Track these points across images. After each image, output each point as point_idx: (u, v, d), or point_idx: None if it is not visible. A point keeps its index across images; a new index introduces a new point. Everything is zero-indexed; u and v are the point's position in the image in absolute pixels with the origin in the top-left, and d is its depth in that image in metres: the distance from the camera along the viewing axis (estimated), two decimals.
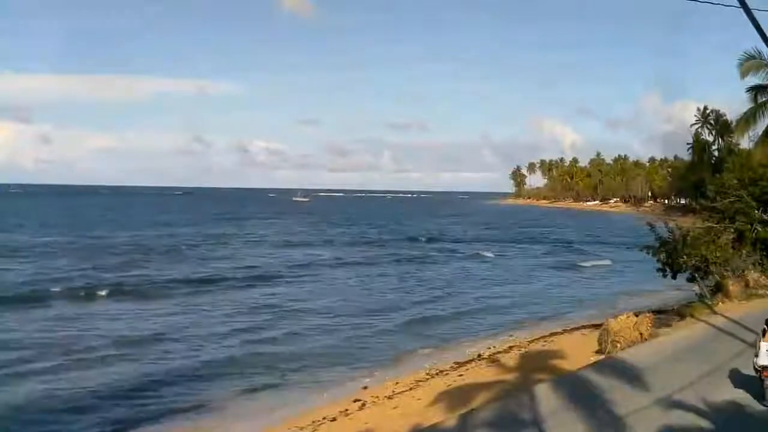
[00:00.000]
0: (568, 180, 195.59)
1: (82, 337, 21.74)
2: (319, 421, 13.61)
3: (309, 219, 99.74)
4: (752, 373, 9.74)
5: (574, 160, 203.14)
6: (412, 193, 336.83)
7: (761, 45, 6.74)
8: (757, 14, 5.86)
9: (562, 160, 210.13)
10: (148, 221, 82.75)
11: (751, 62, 23.64)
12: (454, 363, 18.10)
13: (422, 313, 27.47)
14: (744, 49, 23.87)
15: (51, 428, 14.25)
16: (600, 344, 15.41)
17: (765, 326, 9.70)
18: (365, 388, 16.32)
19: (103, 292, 30.29)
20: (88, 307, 27.52)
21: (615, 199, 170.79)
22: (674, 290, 24.81)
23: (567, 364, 14.53)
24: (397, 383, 16.28)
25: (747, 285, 20.24)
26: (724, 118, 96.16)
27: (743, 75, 24.14)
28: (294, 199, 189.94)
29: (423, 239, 66.12)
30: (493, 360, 17.26)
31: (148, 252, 48.13)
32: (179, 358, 19.69)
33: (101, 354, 19.56)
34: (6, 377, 17.25)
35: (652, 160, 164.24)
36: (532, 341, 20.37)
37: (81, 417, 14.72)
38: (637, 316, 15.98)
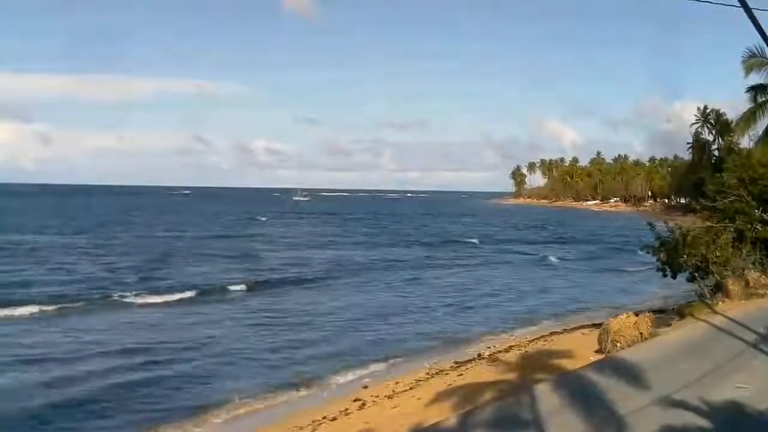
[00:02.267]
0: (568, 179, 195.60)
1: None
2: (318, 420, 13.62)
3: (327, 219, 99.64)
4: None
5: (574, 160, 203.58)
6: (410, 192, 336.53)
7: (763, 43, 6.75)
8: (757, 14, 5.85)
9: (562, 159, 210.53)
10: (177, 221, 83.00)
11: (753, 60, 23.74)
12: (454, 362, 18.14)
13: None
14: (746, 47, 23.97)
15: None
16: (600, 344, 15.39)
17: None
18: (365, 387, 16.35)
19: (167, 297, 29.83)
20: (170, 310, 27.53)
21: (615, 199, 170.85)
22: None
23: (567, 364, 14.51)
24: (397, 383, 16.30)
25: (747, 284, 20.20)
26: (724, 117, 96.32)
27: (747, 72, 24.29)
28: (294, 198, 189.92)
29: (468, 240, 64.69)
30: (493, 360, 17.25)
31: (224, 254, 48.19)
32: (188, 359, 19.70)
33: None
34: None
35: (652, 159, 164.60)
36: (532, 341, 20.40)
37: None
38: (637, 315, 15.98)
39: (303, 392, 16.66)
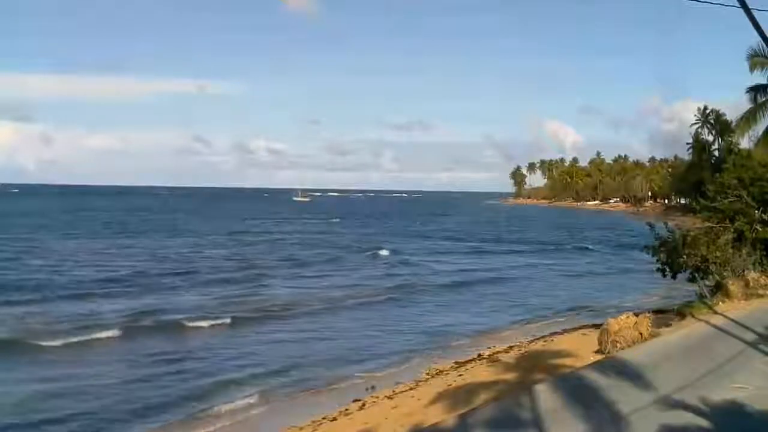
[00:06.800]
0: (568, 180, 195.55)
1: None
2: (318, 421, 13.62)
3: (384, 222, 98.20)
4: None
5: (574, 160, 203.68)
6: (407, 192, 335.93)
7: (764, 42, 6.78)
8: (757, 14, 5.87)
9: (562, 160, 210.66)
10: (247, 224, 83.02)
11: (757, 58, 23.86)
12: (454, 363, 18.11)
13: None
14: (750, 45, 24.05)
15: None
16: (600, 344, 15.39)
17: None
18: (372, 387, 16.33)
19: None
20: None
21: (615, 199, 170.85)
22: None
23: (567, 364, 14.52)
24: (397, 383, 16.29)
25: (747, 285, 20.22)
26: (724, 117, 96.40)
27: (752, 68, 24.40)
28: (294, 198, 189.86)
29: (586, 246, 61.14)
30: (492, 360, 17.24)
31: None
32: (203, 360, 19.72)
33: None
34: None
35: (652, 160, 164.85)
36: (532, 341, 20.37)
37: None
38: (637, 316, 15.99)
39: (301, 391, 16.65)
